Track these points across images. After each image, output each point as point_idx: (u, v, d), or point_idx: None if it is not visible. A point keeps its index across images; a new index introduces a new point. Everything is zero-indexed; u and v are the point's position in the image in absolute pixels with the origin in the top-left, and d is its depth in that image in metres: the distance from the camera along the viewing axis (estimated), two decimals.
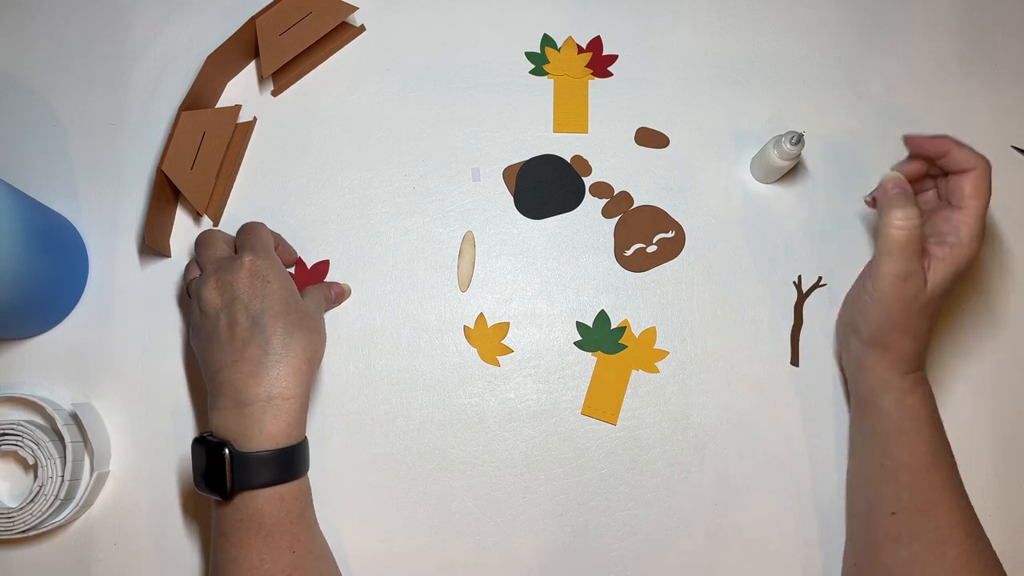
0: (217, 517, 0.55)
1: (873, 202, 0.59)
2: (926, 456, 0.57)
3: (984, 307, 0.68)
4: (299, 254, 0.68)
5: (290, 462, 0.55)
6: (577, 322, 0.67)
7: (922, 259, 0.56)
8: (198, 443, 0.55)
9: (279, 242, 0.64)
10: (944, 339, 0.67)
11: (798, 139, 0.63)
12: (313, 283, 0.66)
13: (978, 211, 0.56)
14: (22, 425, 0.61)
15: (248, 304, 0.56)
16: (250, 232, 0.61)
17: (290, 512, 0.54)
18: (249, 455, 0.53)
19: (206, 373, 0.57)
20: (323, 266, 0.67)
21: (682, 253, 0.68)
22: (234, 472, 0.53)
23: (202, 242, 0.61)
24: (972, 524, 0.57)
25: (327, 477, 0.64)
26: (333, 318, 0.67)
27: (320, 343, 0.59)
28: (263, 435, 0.53)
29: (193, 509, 0.64)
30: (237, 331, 0.55)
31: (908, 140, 0.59)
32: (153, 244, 0.64)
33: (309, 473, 0.57)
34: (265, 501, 0.53)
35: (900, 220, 0.55)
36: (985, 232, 0.57)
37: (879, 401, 0.59)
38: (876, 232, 0.58)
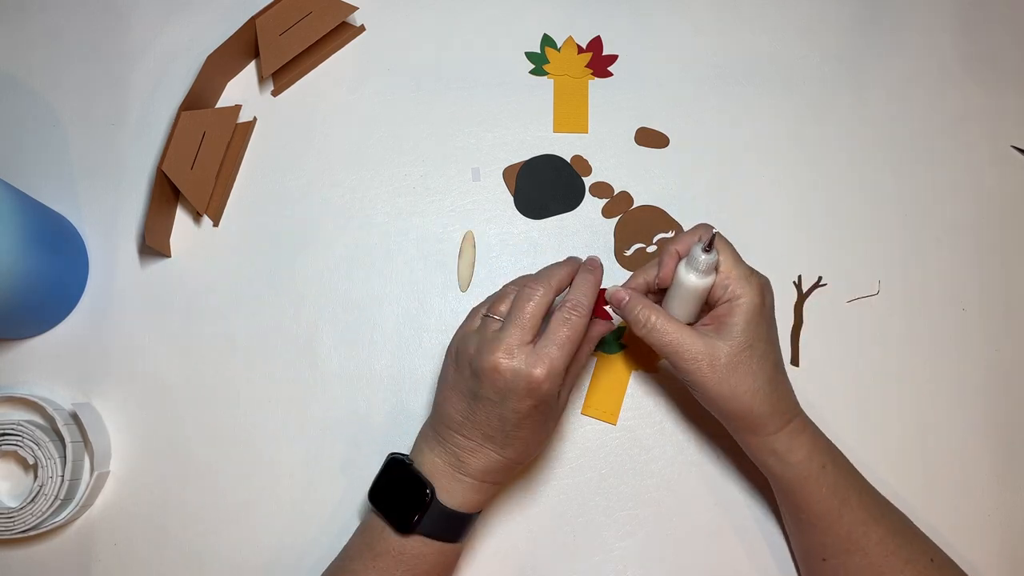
0: (376, 538, 0.55)
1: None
2: (833, 502, 0.55)
3: (984, 306, 0.68)
4: (303, 254, 0.68)
5: (463, 527, 0.56)
6: None
7: (699, 346, 0.54)
8: (402, 464, 0.56)
9: (582, 296, 0.55)
10: (945, 338, 0.67)
11: (710, 243, 0.54)
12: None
13: (728, 265, 0.55)
14: (22, 425, 0.61)
15: (489, 405, 0.53)
16: (555, 327, 0.53)
17: (435, 566, 0.56)
18: (448, 510, 0.54)
19: (436, 402, 0.57)
20: (600, 304, 0.58)
21: None
22: (425, 516, 0.54)
23: (524, 292, 0.55)
24: (910, 548, 0.55)
25: (328, 478, 0.64)
26: (332, 317, 0.67)
27: (540, 448, 0.58)
28: (464, 499, 0.55)
29: (193, 509, 0.64)
30: (478, 409, 0.54)
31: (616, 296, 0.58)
32: (153, 244, 0.64)
33: None
34: (433, 551, 0.55)
35: (642, 325, 0.56)
36: (755, 274, 0.55)
37: (767, 466, 0.57)
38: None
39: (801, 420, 0.57)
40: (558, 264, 0.57)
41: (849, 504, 0.56)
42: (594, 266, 0.57)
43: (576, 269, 0.57)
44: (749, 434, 0.57)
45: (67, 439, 0.61)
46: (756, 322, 0.55)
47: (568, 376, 0.56)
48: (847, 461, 0.58)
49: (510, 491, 0.64)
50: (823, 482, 0.56)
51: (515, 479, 0.64)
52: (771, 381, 0.55)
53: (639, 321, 0.56)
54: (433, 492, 0.54)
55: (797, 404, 0.58)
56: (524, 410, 0.53)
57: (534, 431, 0.55)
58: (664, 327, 0.55)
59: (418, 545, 0.54)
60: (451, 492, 0.55)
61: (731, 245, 0.57)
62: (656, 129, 0.71)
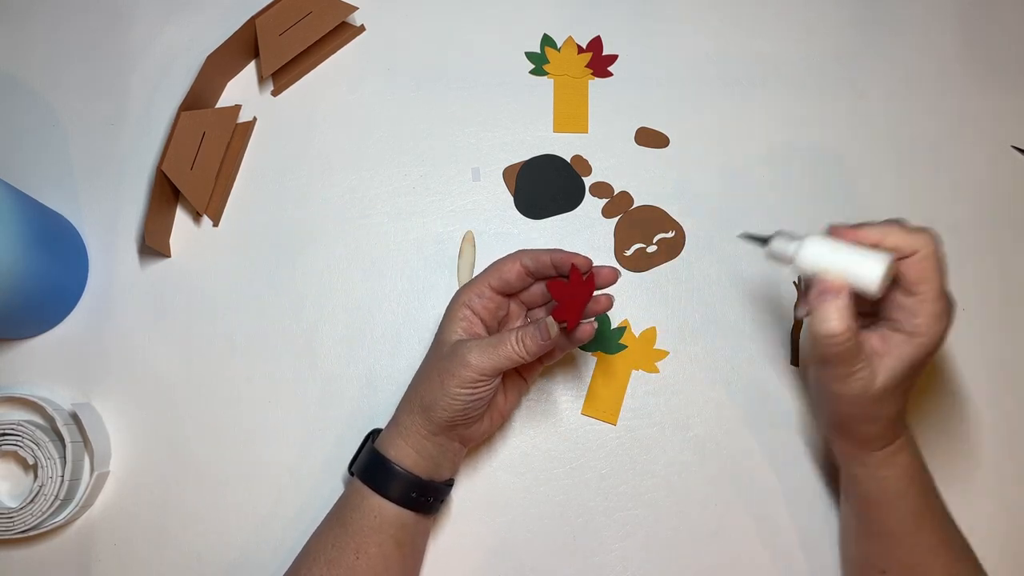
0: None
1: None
2: (909, 522, 0.55)
3: (984, 306, 0.68)
4: (303, 254, 0.68)
5: (387, 477, 0.56)
6: None
7: (865, 357, 0.50)
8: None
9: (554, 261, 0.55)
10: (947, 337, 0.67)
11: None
12: (579, 297, 0.54)
13: (931, 295, 0.50)
14: (22, 425, 0.61)
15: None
16: (508, 335, 0.54)
17: (369, 526, 0.56)
18: (379, 453, 0.57)
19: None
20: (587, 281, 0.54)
21: (682, 253, 0.68)
22: (361, 452, 0.59)
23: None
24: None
25: (328, 478, 0.64)
26: (332, 317, 0.67)
27: (437, 397, 0.55)
28: (397, 451, 0.56)
29: (193, 509, 0.64)
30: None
31: (833, 231, 0.52)
32: (153, 244, 0.64)
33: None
34: (367, 503, 0.56)
35: (831, 339, 0.49)
36: (948, 313, 0.51)
37: (851, 471, 0.56)
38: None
39: (905, 439, 0.55)
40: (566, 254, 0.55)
41: (924, 528, 0.55)
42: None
43: (563, 262, 0.55)
44: (850, 446, 0.56)
45: (67, 439, 0.61)
46: (924, 363, 0.51)
47: (486, 353, 0.54)
48: (933, 484, 0.57)
49: (509, 491, 0.64)
50: (906, 502, 0.54)
51: (513, 477, 0.64)
52: (900, 410, 0.53)
53: (842, 332, 0.48)
54: (374, 436, 0.59)
55: (906, 423, 0.55)
56: (431, 346, 0.58)
57: (424, 367, 0.58)
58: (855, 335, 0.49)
59: (354, 494, 0.57)
60: (387, 440, 0.57)
61: (941, 269, 0.50)
62: (656, 129, 0.71)
